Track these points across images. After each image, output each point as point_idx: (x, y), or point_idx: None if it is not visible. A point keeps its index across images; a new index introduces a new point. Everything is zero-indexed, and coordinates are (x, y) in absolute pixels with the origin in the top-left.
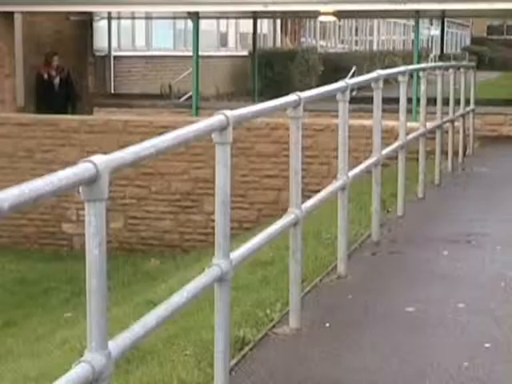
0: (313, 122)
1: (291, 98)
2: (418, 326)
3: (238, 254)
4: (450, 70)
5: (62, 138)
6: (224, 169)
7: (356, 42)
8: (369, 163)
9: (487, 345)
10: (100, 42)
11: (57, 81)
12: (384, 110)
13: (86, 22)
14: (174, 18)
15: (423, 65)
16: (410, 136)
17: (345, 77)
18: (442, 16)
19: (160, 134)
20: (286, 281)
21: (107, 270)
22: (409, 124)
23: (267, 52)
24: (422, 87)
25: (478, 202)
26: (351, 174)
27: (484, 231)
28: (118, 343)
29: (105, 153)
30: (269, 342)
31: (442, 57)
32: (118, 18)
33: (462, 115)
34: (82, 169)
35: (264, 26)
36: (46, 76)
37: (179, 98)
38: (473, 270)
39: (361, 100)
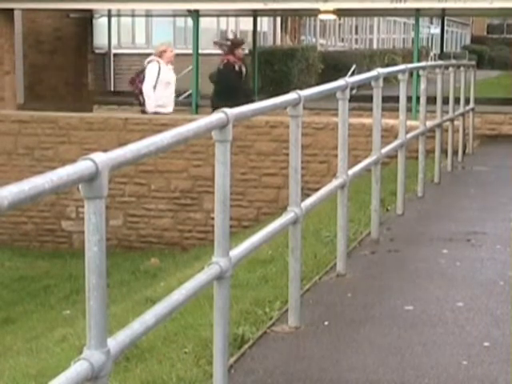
0: (312, 120)
1: (291, 96)
2: (416, 325)
3: (237, 252)
4: (450, 69)
5: (62, 135)
6: (223, 167)
7: (356, 40)
8: (368, 162)
9: (486, 344)
10: (100, 39)
11: (243, 71)
12: (384, 109)
13: (85, 20)
14: (174, 15)
15: (423, 63)
16: (410, 135)
17: (345, 75)
18: (442, 14)
19: (160, 131)
20: (285, 279)
21: (106, 268)
22: (409, 122)
23: (267, 50)
24: (422, 86)
25: (478, 201)
26: (351, 172)
27: (483, 230)
28: (117, 341)
29: (104, 150)
30: (268, 340)
31: (442, 55)
32: (118, 15)
33: (462, 114)
34: (82, 166)
35: (264, 24)
36: (237, 67)
37: (179, 95)
38: (472, 268)
39: (361, 98)
